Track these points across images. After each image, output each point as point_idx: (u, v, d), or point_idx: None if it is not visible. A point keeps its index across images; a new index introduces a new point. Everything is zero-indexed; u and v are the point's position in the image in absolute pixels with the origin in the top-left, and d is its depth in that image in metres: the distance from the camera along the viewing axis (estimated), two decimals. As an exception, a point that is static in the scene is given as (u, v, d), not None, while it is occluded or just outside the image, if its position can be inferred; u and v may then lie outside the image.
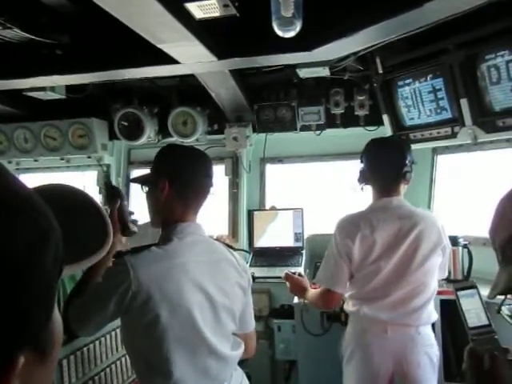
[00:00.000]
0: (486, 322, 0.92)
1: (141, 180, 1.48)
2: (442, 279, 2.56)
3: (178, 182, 1.36)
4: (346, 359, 1.88)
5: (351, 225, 1.83)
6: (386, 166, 1.86)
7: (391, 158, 1.86)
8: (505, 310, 1.20)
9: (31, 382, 0.39)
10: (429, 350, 1.80)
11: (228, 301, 1.37)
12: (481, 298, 0.96)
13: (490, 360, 0.80)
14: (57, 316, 0.43)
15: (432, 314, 1.84)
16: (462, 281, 2.57)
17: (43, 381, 0.42)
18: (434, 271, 1.83)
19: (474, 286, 0.98)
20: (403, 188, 1.91)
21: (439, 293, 2.48)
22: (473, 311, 0.94)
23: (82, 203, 0.55)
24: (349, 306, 1.89)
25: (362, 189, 1.95)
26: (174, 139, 3.20)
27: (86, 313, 1.27)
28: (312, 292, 1.97)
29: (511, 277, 0.75)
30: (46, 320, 0.39)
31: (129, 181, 2.25)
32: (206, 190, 1.42)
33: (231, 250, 1.48)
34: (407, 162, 1.86)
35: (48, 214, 0.40)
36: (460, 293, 0.97)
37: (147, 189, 1.43)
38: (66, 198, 0.54)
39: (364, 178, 1.92)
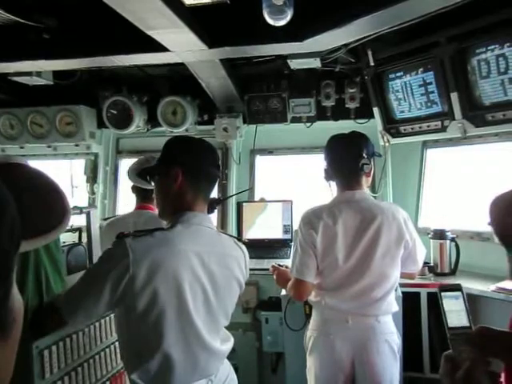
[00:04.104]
0: (467, 324, 0.94)
1: (150, 171, 1.48)
2: (430, 272, 2.61)
3: (191, 171, 1.37)
4: (310, 349, 1.91)
5: (314, 216, 1.87)
6: (343, 160, 1.90)
7: (347, 152, 1.90)
8: None
9: None
10: (389, 337, 1.83)
11: (222, 296, 1.36)
12: (465, 301, 0.97)
13: (470, 367, 0.80)
14: (16, 293, 0.42)
15: (392, 304, 1.88)
16: (447, 275, 2.60)
17: (6, 359, 0.40)
18: (395, 264, 1.85)
19: (459, 289, 0.99)
20: (365, 181, 1.94)
21: (426, 286, 2.51)
22: (454, 312, 0.95)
23: (38, 181, 0.56)
24: (312, 297, 1.93)
25: (329, 185, 1.99)
26: (164, 129, 3.17)
27: (78, 295, 1.22)
28: (288, 283, 1.98)
29: None
30: (4, 297, 0.38)
31: (138, 174, 2.23)
32: (215, 179, 1.46)
33: (240, 244, 1.50)
34: (364, 154, 1.88)
35: (2, 188, 0.40)
36: (444, 294, 0.98)
37: (157, 179, 1.43)
38: (20, 177, 0.55)
39: (328, 174, 1.96)
